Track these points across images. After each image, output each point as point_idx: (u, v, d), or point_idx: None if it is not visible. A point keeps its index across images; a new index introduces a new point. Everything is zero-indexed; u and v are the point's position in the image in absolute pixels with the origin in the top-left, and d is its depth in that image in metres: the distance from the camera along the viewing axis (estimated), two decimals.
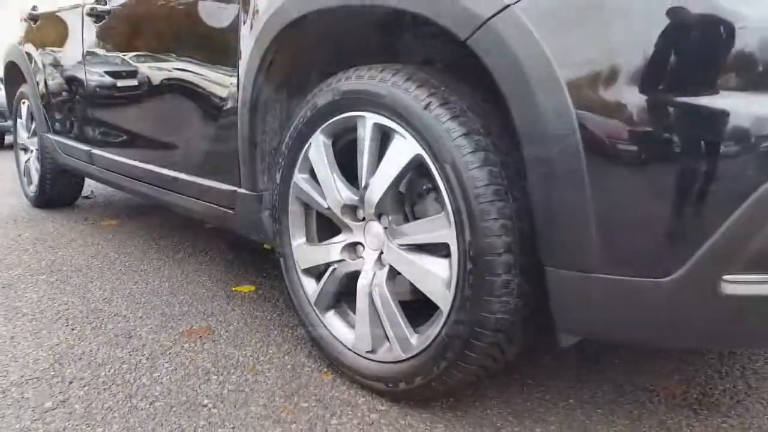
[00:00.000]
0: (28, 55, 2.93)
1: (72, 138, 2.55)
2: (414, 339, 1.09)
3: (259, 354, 1.38)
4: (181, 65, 1.65)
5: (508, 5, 0.82)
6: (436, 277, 1.02)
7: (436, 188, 1.00)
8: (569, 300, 0.87)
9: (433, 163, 0.98)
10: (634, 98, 0.77)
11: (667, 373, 1.30)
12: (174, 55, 1.68)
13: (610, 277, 0.81)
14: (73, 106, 2.47)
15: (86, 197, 3.48)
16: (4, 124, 7.04)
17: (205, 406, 1.15)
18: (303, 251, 1.32)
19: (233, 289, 1.84)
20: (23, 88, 3.18)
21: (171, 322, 1.57)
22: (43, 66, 2.74)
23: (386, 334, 1.13)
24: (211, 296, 1.77)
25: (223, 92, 1.48)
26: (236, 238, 2.46)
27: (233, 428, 1.07)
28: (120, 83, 2.02)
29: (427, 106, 0.98)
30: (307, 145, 1.24)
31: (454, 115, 0.96)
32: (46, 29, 2.71)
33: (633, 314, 0.83)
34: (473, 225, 0.93)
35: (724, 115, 0.74)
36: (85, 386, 1.22)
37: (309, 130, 1.22)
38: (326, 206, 1.22)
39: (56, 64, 2.59)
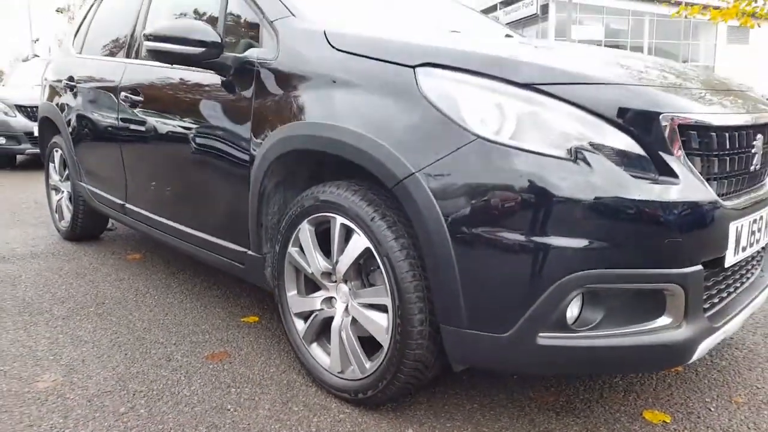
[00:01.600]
0: (62, 110, 3.47)
1: (106, 190, 3.09)
2: (368, 364, 1.65)
3: (264, 373, 1.93)
4: (207, 155, 2.20)
5: (414, 173, 1.40)
6: (380, 326, 1.59)
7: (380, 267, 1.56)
8: (452, 344, 1.44)
9: (377, 254, 1.55)
10: (483, 225, 1.33)
11: (549, 386, 1.87)
12: (199, 147, 2.23)
13: (472, 332, 1.39)
14: (108, 165, 3.01)
15: (109, 229, 4.02)
16: (18, 147, 7.63)
17: (229, 410, 1.71)
18: (294, 300, 1.88)
19: (241, 319, 2.39)
20: (56, 139, 3.73)
21: (198, 347, 2.12)
22: (78, 126, 3.28)
23: (350, 361, 1.70)
24: (225, 326, 2.33)
25: (238, 182, 2.03)
26: None
27: (249, 425, 1.63)
28: (154, 156, 2.57)
29: (372, 219, 1.54)
30: (297, 229, 1.80)
31: (389, 225, 1.53)
32: (82, 97, 3.25)
33: (487, 354, 1.40)
34: (400, 295, 1.49)
35: (529, 245, 1.30)
36: (144, 397, 1.78)
37: (298, 220, 1.78)
38: (310, 271, 1.79)
39: (92, 128, 3.12)
